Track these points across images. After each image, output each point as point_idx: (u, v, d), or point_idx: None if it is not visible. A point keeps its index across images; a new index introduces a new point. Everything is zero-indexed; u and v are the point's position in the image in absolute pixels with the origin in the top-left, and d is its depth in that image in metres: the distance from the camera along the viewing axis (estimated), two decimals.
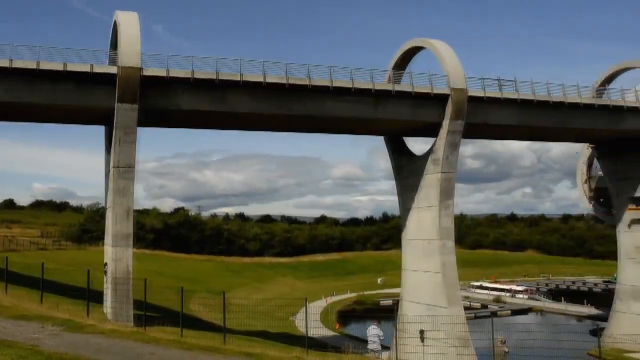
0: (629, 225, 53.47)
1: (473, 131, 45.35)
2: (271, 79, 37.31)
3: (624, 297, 53.46)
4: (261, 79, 37.07)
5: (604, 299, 78.71)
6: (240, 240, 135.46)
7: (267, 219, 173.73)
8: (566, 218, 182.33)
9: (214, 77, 36.25)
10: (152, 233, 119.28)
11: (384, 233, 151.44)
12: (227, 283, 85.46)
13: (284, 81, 37.40)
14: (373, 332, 22.81)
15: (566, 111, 45.86)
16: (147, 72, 34.96)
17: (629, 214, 53.17)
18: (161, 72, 35.39)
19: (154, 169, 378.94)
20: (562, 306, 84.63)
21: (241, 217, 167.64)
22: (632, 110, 47.85)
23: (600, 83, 54.72)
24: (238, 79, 36.65)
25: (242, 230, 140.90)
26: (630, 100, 48.17)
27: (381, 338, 22.82)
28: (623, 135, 50.47)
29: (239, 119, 40.42)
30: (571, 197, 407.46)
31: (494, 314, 75.76)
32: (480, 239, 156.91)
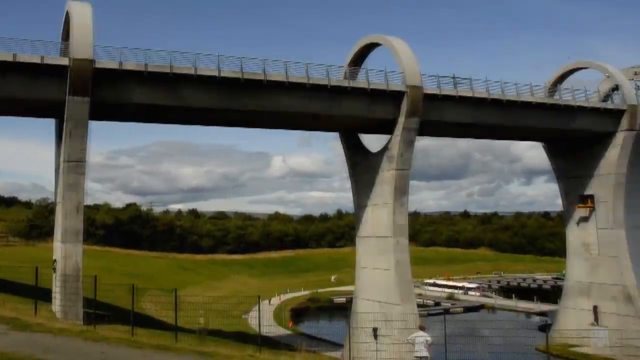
0: (578, 223, 55.43)
1: (428, 128, 46.33)
2: (226, 73, 37.31)
3: (572, 293, 55.51)
4: (215, 73, 37.04)
5: (552, 295, 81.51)
6: (193, 237, 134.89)
7: (220, 215, 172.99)
8: (518, 216, 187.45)
9: (167, 70, 36.08)
10: (102, 229, 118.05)
11: (338, 230, 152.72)
12: (180, 280, 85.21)
13: (239, 76, 37.45)
14: (420, 339, 21.18)
15: (519, 110, 47.25)
16: (99, 64, 34.60)
17: (578, 212, 55.15)
18: (113, 65, 35.08)
19: (106, 163, 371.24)
20: (513, 303, 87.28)
21: (194, 213, 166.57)
22: (582, 110, 49.68)
23: (552, 82, 56.38)
24: (192, 72, 36.56)
25: (195, 227, 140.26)
26: (580, 100, 50.00)
27: (429, 343, 21.21)
28: (573, 135, 52.31)
29: (193, 114, 40.24)
30: (526, 194, 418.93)
31: (446, 311, 77.46)
32: (434, 237, 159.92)
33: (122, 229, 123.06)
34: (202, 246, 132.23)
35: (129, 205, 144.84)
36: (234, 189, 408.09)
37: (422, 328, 21.52)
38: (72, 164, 34.24)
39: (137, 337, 22.66)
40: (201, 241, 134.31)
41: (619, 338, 44.22)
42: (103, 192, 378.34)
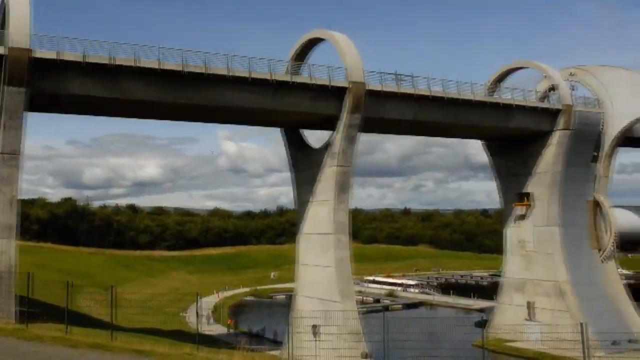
0: (515, 220, 57.81)
1: (371, 125, 47.23)
2: (167, 65, 37.18)
3: (508, 290, 57.89)
4: (157, 65, 36.85)
5: (490, 291, 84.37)
6: (131, 233, 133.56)
7: (159, 210, 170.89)
8: (458, 213, 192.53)
9: (107, 61, 35.71)
10: (37, 224, 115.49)
11: (279, 227, 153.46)
12: (117, 277, 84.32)
13: (181, 68, 37.39)
14: None
15: (460, 108, 48.83)
16: (37, 54, 34.04)
17: (515, 209, 57.45)
18: (52, 55, 34.55)
19: (42, 156, 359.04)
20: (451, 299, 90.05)
21: (132, 208, 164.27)
22: (520, 109, 51.80)
23: (493, 81, 58.39)
24: (133, 64, 36.27)
25: (132, 222, 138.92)
26: (519, 99, 52.07)
27: None
28: (512, 133, 54.38)
29: (134, 106, 39.93)
30: (466, 191, 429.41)
31: (386, 309, 79.12)
32: (375, 234, 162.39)
33: (57, 224, 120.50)
34: (140, 242, 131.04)
35: (65, 200, 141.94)
36: (178, 183, 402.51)
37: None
38: (6, 157, 33.60)
39: (72, 336, 22.53)
40: (139, 237, 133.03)
41: (551, 332, 46.43)
42: (39, 185, 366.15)
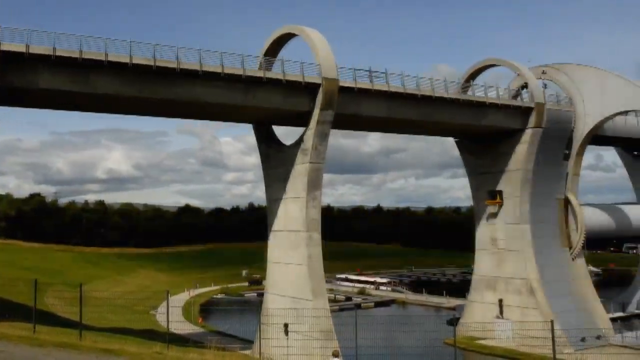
0: (486, 218, 58.83)
1: (343, 122, 47.70)
2: (138, 60, 37.01)
3: (479, 287, 58.90)
4: (127, 60, 36.67)
5: (461, 289, 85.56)
6: (100, 230, 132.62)
7: (129, 207, 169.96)
8: (430, 210, 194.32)
9: (77, 55, 35.44)
10: (4, 221, 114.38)
11: (250, 224, 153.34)
12: (86, 275, 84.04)
13: (152, 63, 37.25)
14: None
15: (433, 105, 49.48)
16: (5, 47, 33.73)
17: (487, 207, 58.45)
18: (20, 48, 34.24)
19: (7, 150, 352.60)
20: (423, 297, 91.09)
21: (101, 204, 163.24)
22: (493, 107, 52.69)
23: (466, 79, 59.15)
24: (103, 58, 36.04)
25: (102, 219, 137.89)
26: (491, 97, 52.92)
27: None
28: (484, 130, 55.27)
29: (103, 101, 39.68)
30: (439, 189, 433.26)
31: (358, 307, 79.74)
32: (347, 231, 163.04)
33: (25, 221, 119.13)
34: (110, 239, 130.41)
35: (32, 196, 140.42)
36: (144, 178, 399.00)
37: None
38: None
39: (39, 335, 22.49)
40: (109, 234, 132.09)
41: (521, 330, 47.48)
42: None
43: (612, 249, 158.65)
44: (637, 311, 63.20)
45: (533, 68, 60.66)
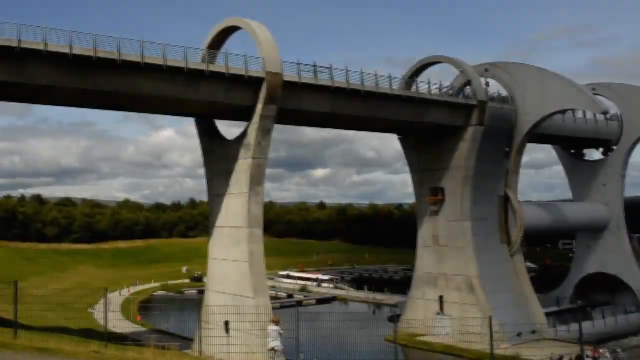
0: (428, 215, 60.47)
1: (287, 117, 48.25)
2: (78, 50, 36.62)
3: (420, 284, 60.55)
4: (67, 50, 36.24)
5: (403, 286, 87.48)
6: (37, 225, 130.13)
7: (67, 201, 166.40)
8: (372, 207, 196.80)
9: (15, 44, 34.84)
10: None
11: (191, 220, 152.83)
12: (21, 271, 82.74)
13: (92, 54, 36.94)
14: (272, 331, 22.78)
15: (377, 101, 50.57)
16: None
17: (429, 204, 60.06)
18: None
19: None
20: (364, 294, 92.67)
21: (38, 199, 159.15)
22: (436, 104, 54.20)
23: (409, 75, 60.40)
24: (42, 48, 35.52)
25: (38, 214, 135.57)
26: (434, 94, 54.40)
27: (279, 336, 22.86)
28: (427, 127, 56.74)
29: (41, 92, 39.12)
30: (382, 185, 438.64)
31: (299, 304, 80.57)
32: (289, 227, 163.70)
33: None
34: (46, 235, 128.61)
35: None
36: (83, 172, 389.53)
37: (275, 322, 23.36)
38: None
39: None
40: (45, 229, 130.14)
41: (460, 326, 49.13)
42: None
43: (549, 245, 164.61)
44: (570, 306, 66.10)
45: (476, 66, 62.33)
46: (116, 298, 78.46)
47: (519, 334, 51.96)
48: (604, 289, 69.53)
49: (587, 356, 45.10)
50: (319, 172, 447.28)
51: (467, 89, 58.76)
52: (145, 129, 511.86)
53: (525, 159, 63.37)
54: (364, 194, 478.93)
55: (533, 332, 54.38)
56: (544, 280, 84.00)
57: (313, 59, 47.40)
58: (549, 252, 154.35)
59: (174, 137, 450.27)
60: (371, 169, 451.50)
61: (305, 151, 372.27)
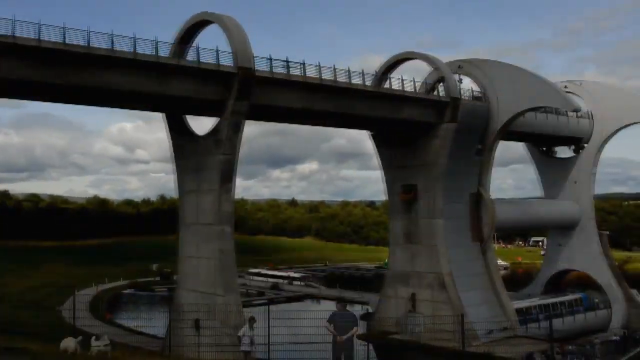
0: (401, 212, 61.03)
1: (259, 113, 48.39)
2: (47, 44, 36.26)
3: (392, 282, 61.17)
4: (36, 43, 35.84)
5: (375, 284, 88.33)
6: (4, 222, 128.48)
7: (34, 197, 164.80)
8: (345, 204, 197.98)
9: None
10: None
11: (161, 216, 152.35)
12: None
13: (61, 47, 36.63)
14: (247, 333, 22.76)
15: (351, 97, 50.88)
16: None
17: (401, 201, 60.64)
18: None
19: None
20: (336, 292, 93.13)
21: (4, 195, 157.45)
22: (409, 100, 54.77)
23: (382, 72, 60.81)
24: (9, 41, 35.05)
25: (5, 210, 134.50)
26: (408, 90, 54.95)
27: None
28: (401, 124, 57.24)
29: (7, 86, 38.75)
30: (353, 182, 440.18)
31: (270, 302, 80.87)
32: (260, 225, 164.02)
33: None
34: (14, 232, 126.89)
35: None
36: (51, 168, 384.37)
37: (251, 320, 23.45)
38: None
39: None
40: (13, 226, 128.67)
41: (433, 324, 49.91)
42: None
43: (520, 243, 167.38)
44: (543, 302, 67.36)
45: (450, 62, 63.02)
46: (85, 296, 78.10)
47: (490, 332, 52.96)
48: (573, 286, 71.04)
49: (557, 353, 46.24)
50: (291, 169, 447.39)
51: (441, 86, 59.38)
52: (114, 126, 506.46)
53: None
54: (337, 191, 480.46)
55: (504, 329, 55.43)
56: (516, 278, 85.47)
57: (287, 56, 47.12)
58: (520, 249, 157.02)
59: (143, 133, 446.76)
60: (344, 165, 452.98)
61: (279, 147, 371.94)
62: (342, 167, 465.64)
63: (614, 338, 59.00)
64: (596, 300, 69.78)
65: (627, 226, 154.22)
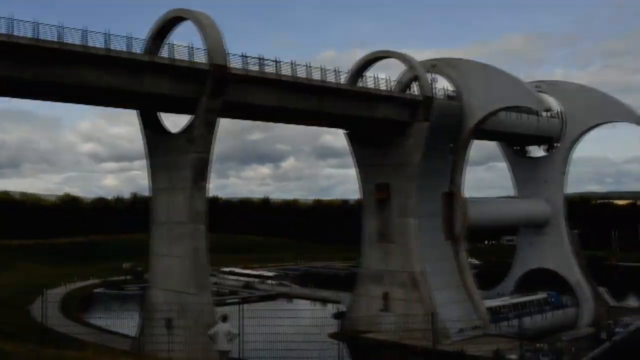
0: (374, 211, 61.48)
1: (233, 110, 48.41)
2: (18, 39, 35.91)
3: (365, 281, 61.59)
4: (7, 39, 35.50)
5: (348, 283, 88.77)
6: None
7: (4, 195, 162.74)
8: (318, 203, 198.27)
9: None
10: None
11: (133, 215, 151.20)
12: None
13: (33, 43, 36.30)
14: (223, 331, 22.19)
15: (325, 95, 51.22)
16: None
17: (375, 200, 61.07)
18: None
19: None
20: (309, 291, 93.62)
21: None
22: (383, 99, 55.23)
23: (357, 70, 61.16)
24: None
25: None
26: (382, 89, 55.37)
27: (231, 337, 22.47)
28: (375, 123, 57.66)
29: None
30: (328, 180, 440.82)
31: (243, 301, 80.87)
32: (234, 223, 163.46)
33: None
34: None
35: None
36: (26, 166, 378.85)
37: (224, 318, 23.19)
38: None
39: None
40: None
41: (405, 322, 50.40)
42: None
43: (492, 242, 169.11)
44: (513, 301, 68.32)
45: (423, 61, 63.56)
46: (55, 295, 77.55)
47: (461, 330, 53.68)
48: (544, 285, 72.13)
49: (527, 350, 47.07)
50: (265, 167, 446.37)
51: (414, 85, 59.81)
52: (88, 123, 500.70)
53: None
54: (313, 189, 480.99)
55: (475, 327, 56.20)
56: (488, 276, 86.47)
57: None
58: (492, 248, 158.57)
59: (113, 130, 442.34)
60: (324, 163, 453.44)
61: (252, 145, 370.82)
62: (322, 165, 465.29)
63: (582, 335, 60.22)
64: (565, 298, 71.05)
65: None
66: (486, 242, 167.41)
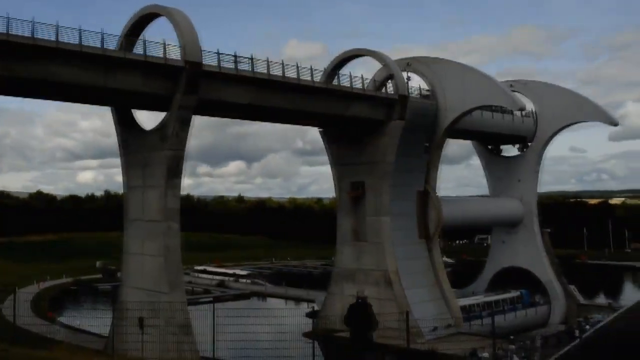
0: (348, 210, 61.87)
1: (207, 108, 48.36)
2: None
3: (339, 279, 61.90)
4: None
5: (322, 281, 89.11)
6: None
7: None
8: (292, 201, 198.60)
9: None
10: None
11: (106, 213, 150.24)
12: None
13: (5, 38, 36.00)
14: None
15: (299, 93, 51.38)
16: None
17: (349, 199, 61.45)
18: None
19: None
20: (283, 290, 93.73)
21: None
22: (358, 97, 55.57)
23: (332, 68, 61.36)
24: None
25: None
26: (357, 87, 55.68)
27: None
28: (349, 121, 58.03)
29: None
30: (303, 179, 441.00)
31: (216, 299, 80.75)
32: (207, 221, 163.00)
33: None
34: None
35: None
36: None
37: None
38: None
39: None
40: None
41: (379, 321, 50.70)
42: None
43: (465, 240, 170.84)
44: (486, 299, 69.14)
45: (398, 60, 63.91)
46: (26, 294, 76.90)
47: (434, 329, 54.21)
48: (517, 283, 73.10)
49: (499, 348, 47.74)
50: (242, 164, 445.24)
51: (389, 83, 60.16)
52: (58, 120, 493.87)
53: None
54: (285, 187, 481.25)
55: (448, 326, 56.80)
56: (461, 275, 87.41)
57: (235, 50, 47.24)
58: (465, 247, 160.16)
59: (86, 126, 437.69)
60: (300, 161, 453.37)
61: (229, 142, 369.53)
62: (297, 163, 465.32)
63: (554, 333, 61.15)
64: (537, 296, 72.15)
65: None
66: (457, 241, 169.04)
